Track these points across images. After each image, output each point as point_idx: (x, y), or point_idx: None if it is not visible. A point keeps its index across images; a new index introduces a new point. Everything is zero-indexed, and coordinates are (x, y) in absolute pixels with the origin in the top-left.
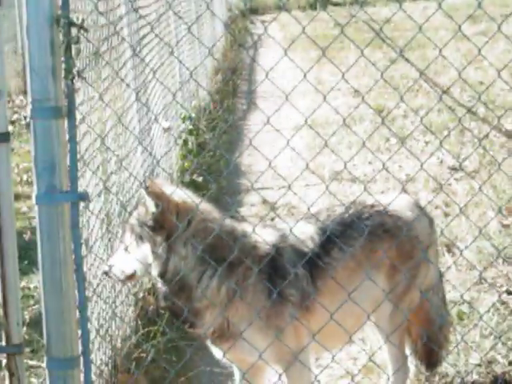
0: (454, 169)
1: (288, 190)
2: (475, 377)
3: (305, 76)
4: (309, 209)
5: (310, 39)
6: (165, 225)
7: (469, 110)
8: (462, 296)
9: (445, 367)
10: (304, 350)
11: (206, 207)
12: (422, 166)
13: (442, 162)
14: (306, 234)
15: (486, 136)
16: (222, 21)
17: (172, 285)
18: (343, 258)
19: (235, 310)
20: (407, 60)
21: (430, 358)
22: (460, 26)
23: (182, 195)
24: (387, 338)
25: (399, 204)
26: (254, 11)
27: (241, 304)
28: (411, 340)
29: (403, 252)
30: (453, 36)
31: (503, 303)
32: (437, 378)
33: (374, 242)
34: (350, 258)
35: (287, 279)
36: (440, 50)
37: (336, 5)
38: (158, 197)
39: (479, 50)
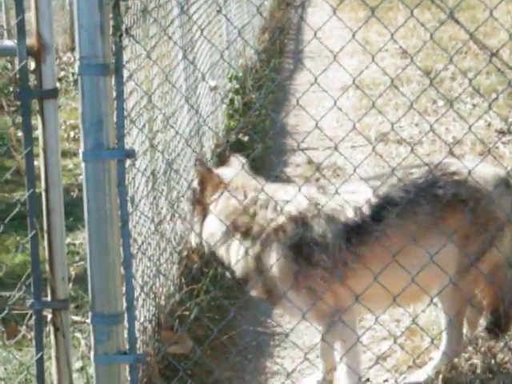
0: (501, 132)
1: (334, 150)
2: None
3: (353, 36)
4: (355, 170)
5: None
6: (202, 201)
7: None
8: None
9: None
10: (348, 311)
11: (242, 183)
12: (469, 128)
13: (489, 125)
14: (354, 200)
15: None
16: None
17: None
18: (400, 225)
19: (270, 277)
20: (457, 21)
21: (496, 330)
22: None
23: (223, 174)
24: (448, 308)
25: (483, 176)
26: None
27: (274, 270)
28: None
29: (477, 225)
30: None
31: None
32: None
33: (444, 210)
34: (409, 224)
35: (313, 249)
36: (490, 12)
37: None
38: (201, 174)
39: None
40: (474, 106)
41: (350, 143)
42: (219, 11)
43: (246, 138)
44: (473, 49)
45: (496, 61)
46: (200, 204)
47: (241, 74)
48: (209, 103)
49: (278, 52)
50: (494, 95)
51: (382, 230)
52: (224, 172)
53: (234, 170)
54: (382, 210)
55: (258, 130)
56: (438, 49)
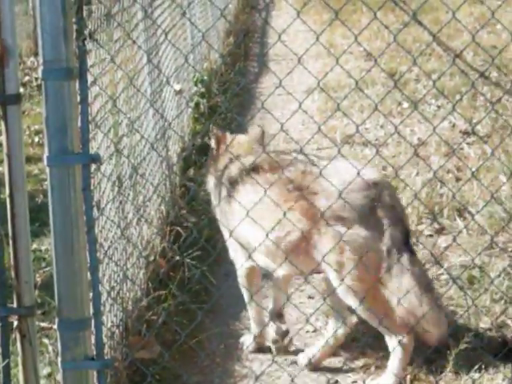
0: (466, 133)
1: (299, 153)
2: (485, 341)
3: (317, 39)
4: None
5: (322, 1)
6: (217, 159)
7: (481, 74)
8: (473, 260)
9: (455, 330)
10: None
11: (243, 145)
12: (434, 129)
13: (454, 126)
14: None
15: (499, 100)
16: None
17: None
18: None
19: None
20: (420, 23)
21: None
22: None
23: (237, 138)
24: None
25: (344, 176)
26: None
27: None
28: None
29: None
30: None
31: None
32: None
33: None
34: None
35: None
36: (453, 14)
37: None
38: (216, 137)
39: (492, 14)
40: (439, 107)
41: (315, 145)
42: (183, 15)
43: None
44: (436, 51)
45: (459, 62)
46: (216, 162)
47: (206, 78)
48: (174, 107)
49: (243, 55)
50: (458, 96)
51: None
52: (238, 137)
53: (247, 136)
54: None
55: None
56: (402, 51)
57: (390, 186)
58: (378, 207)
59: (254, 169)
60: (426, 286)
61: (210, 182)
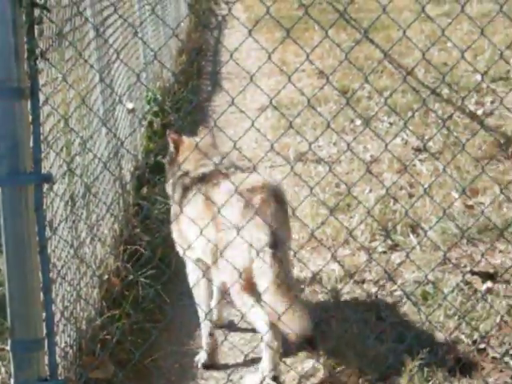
0: (418, 150)
1: (253, 170)
2: (440, 357)
3: (269, 57)
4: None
5: (274, 20)
6: (176, 161)
7: (433, 91)
8: (426, 276)
9: (410, 346)
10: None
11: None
12: (386, 146)
13: (406, 142)
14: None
15: (450, 117)
16: (186, 1)
17: None
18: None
19: None
20: (371, 41)
21: None
22: (423, 8)
23: (190, 140)
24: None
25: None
26: None
27: None
28: None
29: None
30: (416, 17)
31: (467, 283)
32: (403, 357)
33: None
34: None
35: None
36: (404, 32)
37: None
38: (174, 141)
39: (442, 31)
40: (391, 124)
41: (269, 163)
42: (135, 34)
43: (165, 160)
44: (388, 68)
45: (411, 79)
46: (175, 164)
47: (159, 96)
48: (127, 126)
49: (196, 73)
50: (409, 113)
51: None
52: (192, 139)
53: (200, 138)
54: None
55: None
56: (355, 68)
57: (274, 192)
58: (252, 210)
59: (201, 179)
60: (285, 285)
61: (169, 185)
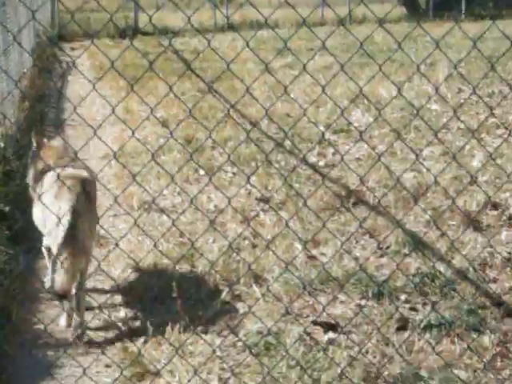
0: (261, 200)
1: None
2: None
3: (113, 111)
4: (116, 244)
5: (119, 68)
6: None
7: (277, 143)
8: (268, 329)
9: None
10: None
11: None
12: (229, 201)
13: (250, 193)
14: None
15: (293, 169)
16: (29, 53)
17: None
18: None
19: None
20: (216, 92)
21: None
22: (266, 65)
23: (53, 143)
24: None
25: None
26: (63, 38)
27: None
28: None
29: None
30: (262, 72)
31: (309, 334)
32: None
33: None
34: None
35: None
36: (247, 89)
37: (145, 34)
38: (37, 141)
39: (285, 88)
40: (234, 174)
41: (112, 212)
42: None
43: (6, 209)
44: (232, 118)
45: (255, 130)
46: (35, 160)
47: (1, 144)
48: None
49: (39, 120)
50: (253, 164)
51: None
52: (51, 142)
53: (56, 141)
54: None
55: (19, 200)
56: (199, 118)
57: (82, 181)
58: (62, 191)
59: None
60: (70, 248)
61: (30, 175)
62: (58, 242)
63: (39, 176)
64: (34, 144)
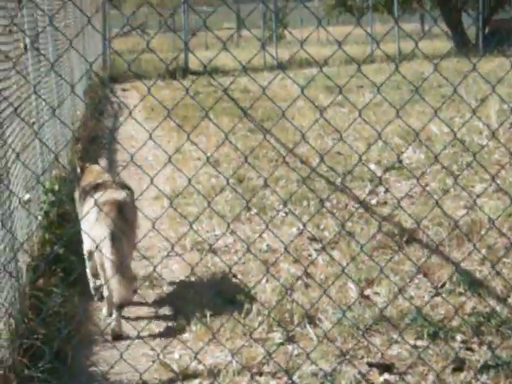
0: (313, 239)
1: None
2: None
3: (169, 160)
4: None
5: (171, 106)
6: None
7: (328, 181)
8: (323, 370)
9: None
10: None
11: (93, 175)
12: (286, 248)
13: (302, 232)
14: None
15: (345, 207)
16: (81, 98)
17: None
18: None
19: None
20: (266, 131)
21: None
22: (316, 103)
23: (94, 167)
24: None
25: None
26: (114, 79)
27: None
28: None
29: None
30: (313, 111)
31: (364, 376)
32: None
33: None
34: None
35: None
36: (303, 135)
37: (195, 73)
38: (80, 166)
39: (339, 130)
40: (287, 213)
41: (165, 253)
42: (34, 123)
43: (61, 251)
44: (283, 156)
45: (305, 168)
46: (79, 181)
47: (56, 186)
48: (23, 217)
49: (93, 162)
50: (305, 203)
51: None
52: (92, 166)
53: (98, 166)
54: None
55: (73, 242)
56: (250, 157)
57: (118, 205)
58: (101, 216)
59: (94, 189)
60: (118, 265)
61: (76, 194)
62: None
63: (82, 194)
64: (78, 168)
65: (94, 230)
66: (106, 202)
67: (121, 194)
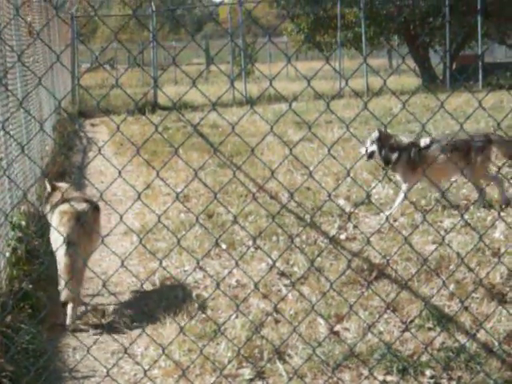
0: (283, 275)
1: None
2: None
3: (139, 197)
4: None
5: (140, 142)
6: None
7: (298, 217)
8: None
9: None
10: None
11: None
12: (256, 284)
13: (271, 268)
14: None
15: (314, 242)
16: (50, 136)
17: None
18: None
19: None
20: (235, 165)
21: None
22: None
23: (62, 185)
24: None
25: None
26: (83, 114)
27: None
28: None
29: None
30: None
31: None
32: None
33: None
34: None
35: None
36: (272, 172)
37: (164, 109)
38: (52, 185)
39: (308, 166)
40: (256, 249)
41: (134, 287)
42: (1, 159)
43: (30, 287)
44: (252, 191)
45: (275, 204)
46: (49, 198)
47: (23, 222)
48: None
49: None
50: (274, 238)
51: None
52: (61, 184)
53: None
54: None
55: (41, 279)
56: (220, 192)
57: (77, 214)
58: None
59: (62, 202)
60: (69, 268)
61: (47, 208)
62: (60, 263)
63: (52, 207)
64: (48, 186)
65: (54, 234)
66: (67, 211)
67: (81, 206)
